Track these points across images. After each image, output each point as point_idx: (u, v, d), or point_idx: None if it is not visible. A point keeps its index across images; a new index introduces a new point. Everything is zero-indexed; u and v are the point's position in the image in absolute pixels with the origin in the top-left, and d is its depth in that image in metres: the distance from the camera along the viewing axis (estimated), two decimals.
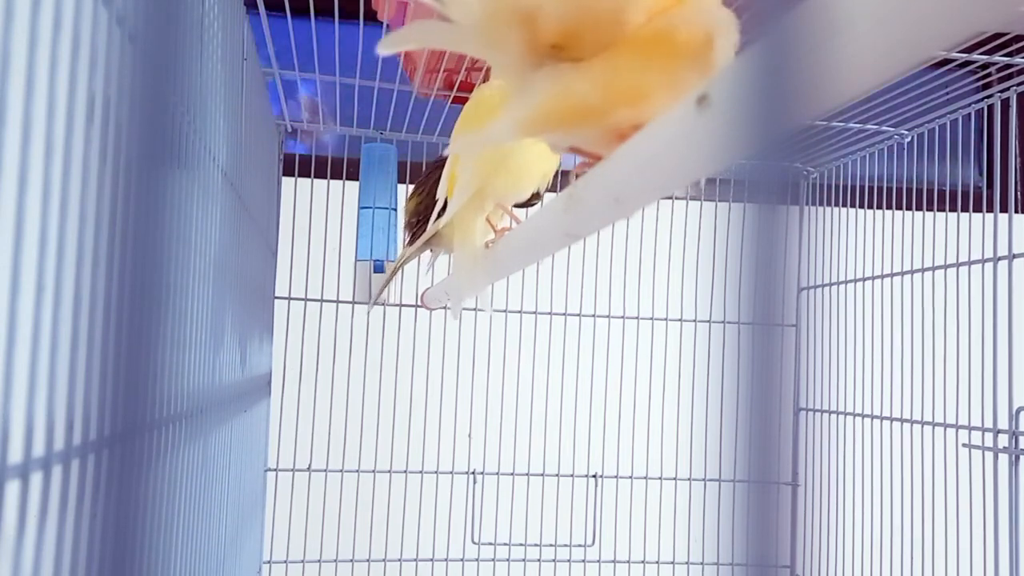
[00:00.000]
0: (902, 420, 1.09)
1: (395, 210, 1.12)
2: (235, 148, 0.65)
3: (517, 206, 0.70)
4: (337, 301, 1.20)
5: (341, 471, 1.20)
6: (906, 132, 1.10)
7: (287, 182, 1.18)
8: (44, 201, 0.27)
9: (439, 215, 0.69)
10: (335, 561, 1.19)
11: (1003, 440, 0.90)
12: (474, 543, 1.24)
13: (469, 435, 1.32)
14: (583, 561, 1.26)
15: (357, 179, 1.13)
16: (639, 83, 0.36)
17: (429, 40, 0.41)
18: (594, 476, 1.28)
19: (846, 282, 1.20)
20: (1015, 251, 0.89)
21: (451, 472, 1.24)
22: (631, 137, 0.32)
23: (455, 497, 1.24)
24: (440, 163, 0.82)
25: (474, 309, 1.24)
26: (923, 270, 1.07)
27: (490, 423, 1.32)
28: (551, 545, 1.25)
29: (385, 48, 0.38)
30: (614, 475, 1.31)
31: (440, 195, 0.69)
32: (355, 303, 1.18)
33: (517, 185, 0.66)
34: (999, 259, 0.91)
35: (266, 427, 1.14)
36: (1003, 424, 0.90)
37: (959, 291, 1.01)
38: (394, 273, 0.95)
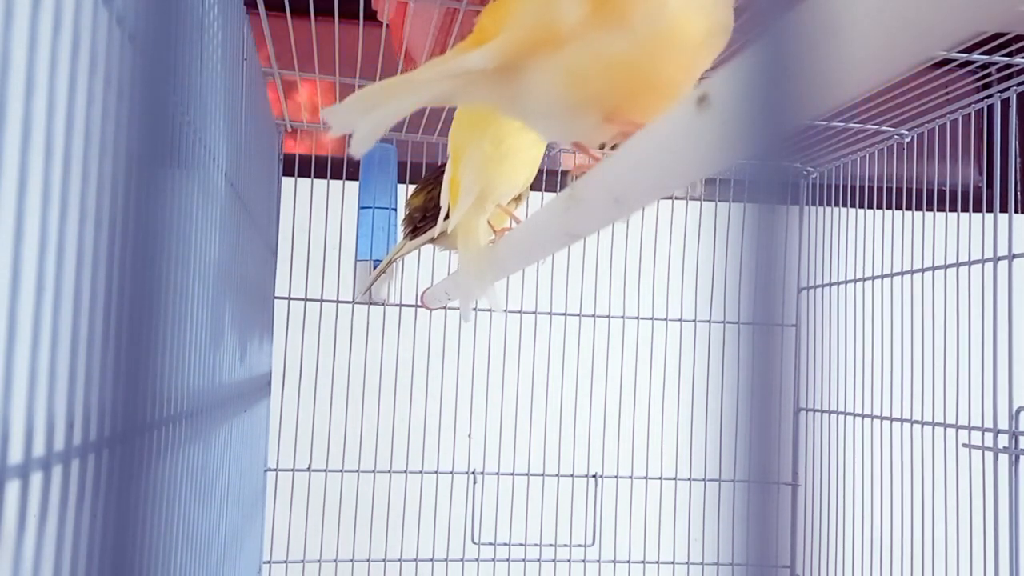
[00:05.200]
0: (902, 420, 1.09)
1: (395, 210, 1.12)
2: (235, 148, 0.65)
3: None
4: (337, 301, 1.20)
5: (341, 471, 1.20)
6: (906, 132, 1.10)
7: (287, 182, 1.18)
8: (44, 201, 0.27)
9: (446, 217, 0.69)
10: (335, 561, 1.19)
11: (1003, 440, 0.90)
12: (474, 543, 1.24)
13: (469, 435, 1.32)
14: (583, 561, 1.26)
15: (357, 179, 1.13)
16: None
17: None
18: (594, 476, 1.28)
19: (846, 282, 1.20)
20: (1015, 251, 0.89)
21: (451, 472, 1.24)
22: (631, 136, 0.32)
23: (455, 497, 1.24)
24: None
25: (475, 309, 1.24)
26: (923, 270, 1.07)
27: (490, 423, 1.32)
28: (551, 545, 1.25)
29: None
30: (614, 475, 1.31)
31: (443, 202, 0.70)
32: (355, 303, 1.18)
33: (513, 182, 0.67)
34: (999, 259, 0.91)
35: (266, 427, 1.14)
36: (1003, 424, 0.90)
37: (959, 291, 1.01)
38: (388, 264, 0.95)
